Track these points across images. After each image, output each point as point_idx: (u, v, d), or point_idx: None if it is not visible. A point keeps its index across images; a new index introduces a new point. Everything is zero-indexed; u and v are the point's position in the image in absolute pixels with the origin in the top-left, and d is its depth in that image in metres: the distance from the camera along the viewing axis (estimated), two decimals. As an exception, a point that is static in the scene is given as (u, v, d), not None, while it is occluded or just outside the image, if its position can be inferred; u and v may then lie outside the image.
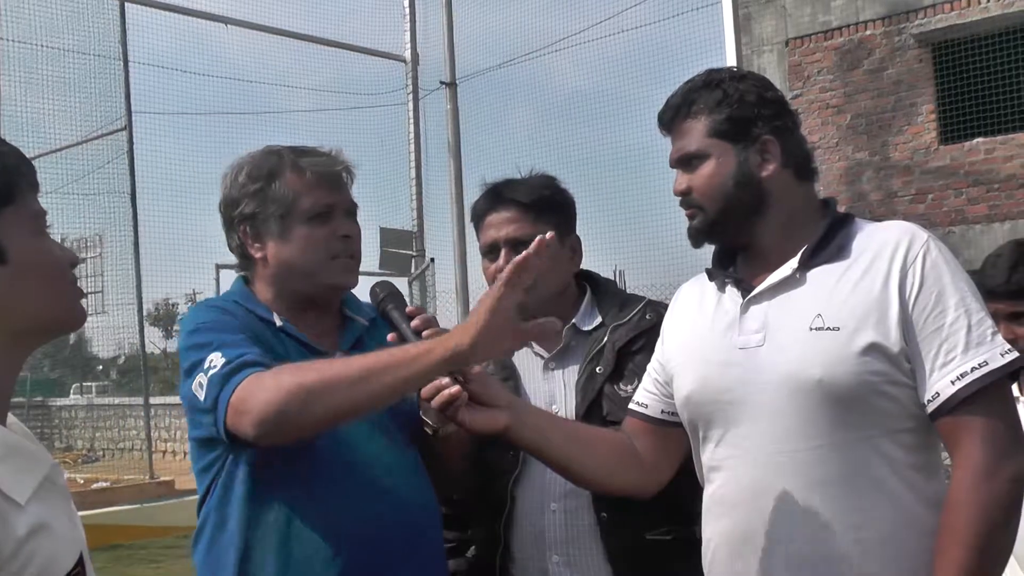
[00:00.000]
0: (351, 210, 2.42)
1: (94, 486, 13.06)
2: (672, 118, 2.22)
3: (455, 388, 2.14)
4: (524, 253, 1.92)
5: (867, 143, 12.73)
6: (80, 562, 1.44)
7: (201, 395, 2.09)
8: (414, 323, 2.21)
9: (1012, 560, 1.98)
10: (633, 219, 11.75)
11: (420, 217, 11.81)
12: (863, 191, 12.66)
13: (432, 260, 11.54)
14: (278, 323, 2.33)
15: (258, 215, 2.33)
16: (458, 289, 11.42)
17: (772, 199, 2.15)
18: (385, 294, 2.30)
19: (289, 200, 2.32)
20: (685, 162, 2.19)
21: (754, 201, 2.14)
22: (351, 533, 2.19)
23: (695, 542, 2.36)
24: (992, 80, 11.89)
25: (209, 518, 2.26)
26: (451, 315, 11.36)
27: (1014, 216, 11.82)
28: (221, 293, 2.53)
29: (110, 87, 12.27)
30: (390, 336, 2.22)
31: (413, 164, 11.87)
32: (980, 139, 12.13)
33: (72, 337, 17.74)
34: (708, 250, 2.29)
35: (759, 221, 2.16)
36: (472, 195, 2.72)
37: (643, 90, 12.25)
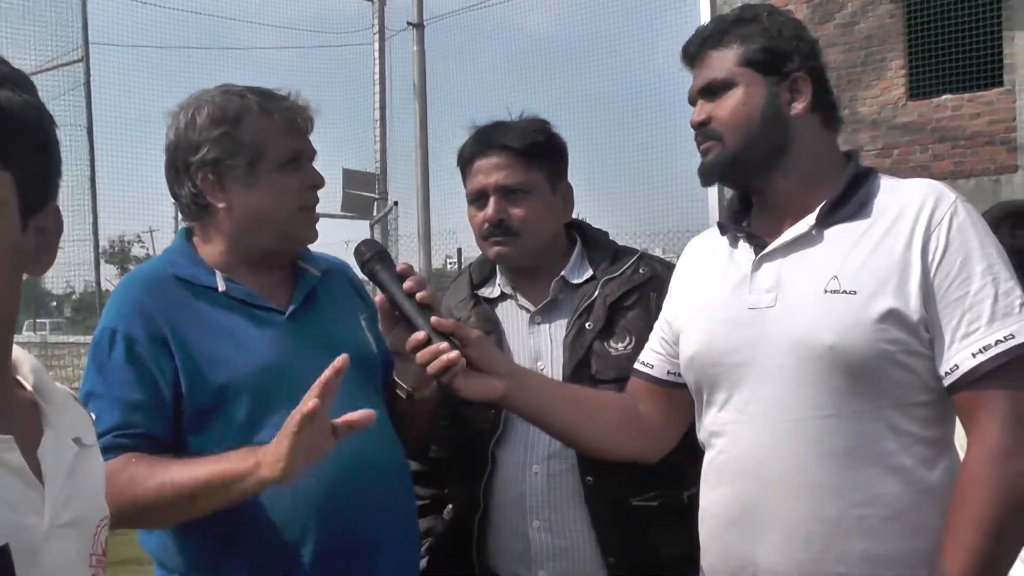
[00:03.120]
0: (314, 158, 2.28)
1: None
2: (700, 47, 2.08)
3: (453, 353, 2.01)
4: (325, 375, 1.77)
5: (836, 97, 12.64)
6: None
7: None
8: (407, 284, 2.07)
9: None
10: (600, 168, 11.65)
11: (384, 159, 11.63)
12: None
13: (396, 203, 11.38)
14: (221, 287, 2.17)
15: (223, 161, 2.15)
16: (421, 234, 11.27)
17: (796, 142, 2.02)
18: (372, 253, 2.16)
19: (258, 146, 2.16)
20: (710, 91, 2.05)
21: (778, 140, 2.01)
22: (316, 496, 2.06)
23: (682, 507, 2.28)
24: (962, 37, 11.85)
25: None
26: (414, 260, 11.23)
27: (978, 173, 11.90)
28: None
29: (67, 16, 11.95)
30: (378, 298, 2.09)
31: (378, 105, 11.67)
32: (948, 96, 12.16)
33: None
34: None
35: (779, 165, 2.02)
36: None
37: (614, 37, 12.08)
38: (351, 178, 11.24)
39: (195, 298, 2.15)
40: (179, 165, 2.20)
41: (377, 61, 11.68)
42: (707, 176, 2.09)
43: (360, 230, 11.98)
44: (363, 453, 2.12)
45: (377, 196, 11.44)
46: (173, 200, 2.27)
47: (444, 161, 11.17)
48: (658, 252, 8.85)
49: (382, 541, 2.14)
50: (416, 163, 11.33)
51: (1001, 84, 11.84)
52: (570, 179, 2.57)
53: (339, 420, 1.80)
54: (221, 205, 2.18)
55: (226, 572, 2.08)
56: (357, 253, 2.20)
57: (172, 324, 2.10)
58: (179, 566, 2.14)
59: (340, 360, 1.77)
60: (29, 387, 1.33)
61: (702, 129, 2.06)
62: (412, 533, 2.31)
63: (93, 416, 1.84)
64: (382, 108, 11.68)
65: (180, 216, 2.31)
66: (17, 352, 1.33)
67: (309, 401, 1.75)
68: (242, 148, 2.15)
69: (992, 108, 11.93)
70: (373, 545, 2.13)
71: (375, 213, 11.36)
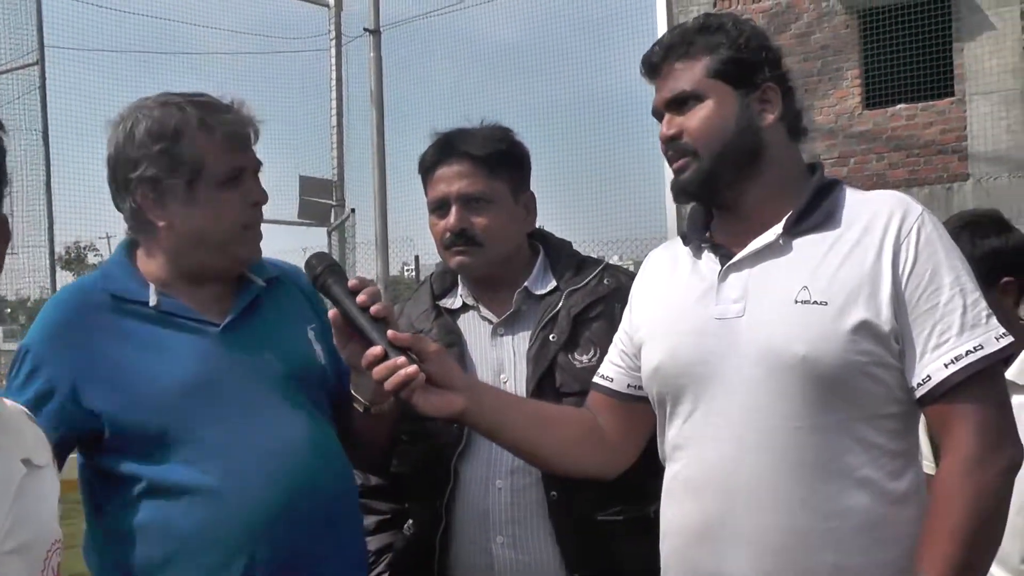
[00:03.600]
0: (258, 170, 2.21)
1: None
2: (664, 58, 2.04)
3: (411, 368, 1.95)
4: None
5: (802, 105, 12.72)
6: None
7: None
8: (360, 298, 2.02)
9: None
10: (556, 177, 11.64)
11: (340, 166, 11.55)
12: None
13: (353, 211, 11.31)
14: (152, 301, 2.11)
15: (162, 179, 2.08)
16: (378, 241, 11.21)
17: (767, 153, 1.99)
18: (323, 267, 2.10)
19: (197, 163, 2.09)
20: (677, 104, 2.01)
21: (751, 152, 1.98)
22: (255, 516, 2.02)
23: (647, 522, 2.25)
24: (915, 48, 11.98)
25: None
26: (371, 267, 11.17)
27: (931, 181, 12.06)
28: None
29: (21, 19, 11.79)
30: (331, 312, 2.04)
31: (334, 112, 11.58)
32: (902, 105, 12.31)
33: (-24, 279, 17.23)
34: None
35: (750, 176, 1.99)
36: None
37: (569, 44, 12.10)
38: (308, 185, 11.16)
39: (124, 315, 2.10)
40: (119, 180, 2.14)
41: (334, 67, 11.60)
42: (683, 194, 2.04)
43: (317, 237, 11.92)
44: (306, 473, 2.08)
45: (334, 203, 11.36)
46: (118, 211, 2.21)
47: (401, 168, 11.13)
48: (615, 260, 8.85)
49: (323, 563, 2.10)
50: (373, 170, 11.28)
51: (952, 94, 12.03)
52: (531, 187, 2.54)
53: None
54: (161, 223, 2.12)
55: None
56: (308, 267, 2.14)
57: (99, 347, 2.06)
58: None
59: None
60: None
61: (673, 143, 2.02)
62: (357, 554, 2.26)
63: None
64: (339, 115, 11.60)
65: (126, 228, 2.24)
66: None
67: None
68: (181, 165, 2.08)
69: (944, 117, 12.12)
70: (315, 567, 2.08)
71: (332, 220, 11.28)
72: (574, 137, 11.89)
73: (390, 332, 2.00)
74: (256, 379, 2.09)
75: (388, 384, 1.96)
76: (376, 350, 1.98)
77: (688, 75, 2.00)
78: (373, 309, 2.01)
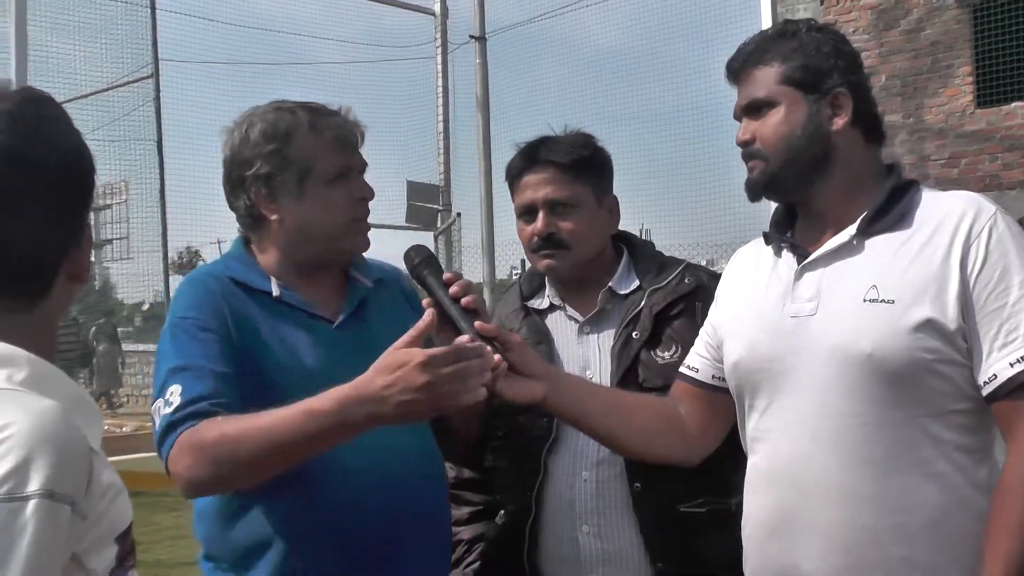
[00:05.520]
0: (364, 170, 2.37)
1: (118, 432, 13.10)
2: (742, 65, 2.12)
3: (495, 357, 2.07)
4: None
5: (901, 105, 12.49)
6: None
7: (156, 422, 2.09)
8: (452, 290, 2.14)
9: None
10: (662, 178, 11.66)
11: (447, 171, 11.73)
12: (895, 154, 12.43)
13: (459, 215, 11.47)
14: (275, 292, 2.27)
15: (274, 176, 2.26)
16: (484, 245, 11.35)
17: (838, 156, 2.05)
18: (420, 259, 2.23)
19: (307, 161, 2.26)
20: (752, 109, 2.10)
21: (820, 155, 2.05)
22: (346, 503, 2.14)
23: (729, 514, 2.31)
24: (1032, 43, 11.63)
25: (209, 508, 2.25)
26: (477, 270, 11.33)
27: (1050, 182, 11.66)
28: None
29: (137, 34, 12.26)
30: (425, 301, 2.16)
31: (441, 118, 11.78)
32: (1018, 103, 11.89)
33: (97, 283, 17.83)
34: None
35: (821, 179, 2.06)
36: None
37: (675, 48, 12.12)
38: (415, 190, 11.35)
39: (249, 302, 2.25)
40: (234, 179, 2.30)
41: (440, 74, 11.80)
42: (752, 192, 2.13)
43: (424, 241, 12.06)
44: (400, 461, 2.20)
45: (441, 208, 11.54)
46: (231, 211, 2.37)
47: (507, 173, 11.21)
48: (721, 263, 8.83)
49: (410, 550, 2.21)
50: (479, 175, 11.44)
51: (1073, 89, 11.63)
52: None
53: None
54: (274, 217, 2.28)
55: (262, 565, 2.17)
56: (406, 258, 2.27)
57: (235, 320, 2.20)
58: (223, 554, 2.24)
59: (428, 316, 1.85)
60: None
61: (747, 148, 2.11)
62: (443, 543, 2.37)
63: (179, 388, 2.03)
64: (445, 121, 11.78)
65: (239, 226, 2.41)
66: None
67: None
68: (292, 164, 2.25)
69: (1064, 115, 11.72)
70: (401, 554, 2.20)
71: (439, 224, 11.46)
72: (677, 140, 11.88)
73: (477, 323, 2.11)
74: None
75: None
76: (464, 338, 2.10)
77: (762, 81, 2.08)
78: (464, 301, 2.13)
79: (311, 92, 13.53)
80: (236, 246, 2.39)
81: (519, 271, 12.72)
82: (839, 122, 2.05)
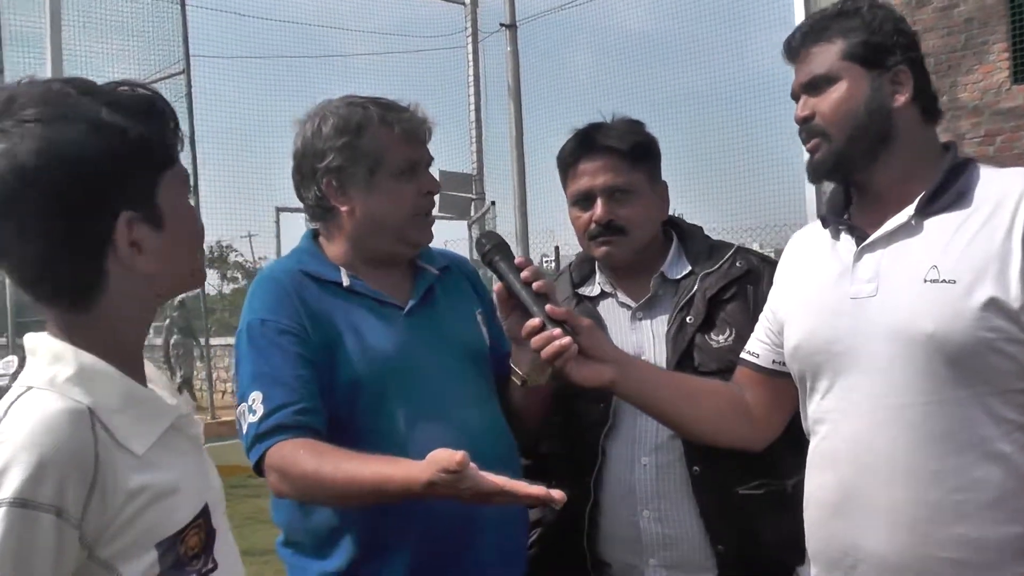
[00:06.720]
0: (430, 165, 2.41)
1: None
2: (802, 43, 2.12)
3: (566, 339, 2.10)
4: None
5: (935, 83, 12.33)
6: (201, 514, 1.43)
7: (243, 427, 2.15)
8: (524, 274, 2.18)
9: None
10: (693, 162, 11.61)
11: (480, 160, 11.74)
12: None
13: (492, 203, 11.49)
14: (345, 282, 2.32)
15: (345, 168, 2.30)
16: (518, 233, 11.36)
17: (898, 134, 2.05)
18: (491, 245, 2.28)
19: (377, 155, 2.30)
20: (812, 86, 2.09)
21: (882, 133, 2.04)
22: (431, 506, 2.13)
23: (787, 496, 2.32)
24: (1068, 17, 11.51)
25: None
26: (511, 259, 11.29)
27: (1087, 159, 11.53)
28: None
29: (168, 30, 12.35)
30: (496, 286, 2.20)
31: (472, 107, 11.80)
32: (1054, 79, 11.78)
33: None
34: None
35: (882, 157, 2.05)
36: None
37: (708, 33, 12.04)
38: (448, 179, 11.35)
39: (322, 293, 2.29)
40: (305, 171, 2.35)
41: (471, 63, 11.80)
42: (816, 174, 2.13)
43: (458, 230, 12.14)
44: (473, 442, 2.22)
45: (474, 196, 11.55)
46: (300, 202, 2.42)
47: (540, 160, 11.24)
48: (755, 247, 8.81)
49: (487, 527, 2.24)
50: (512, 163, 11.43)
51: (1110, 64, 11.49)
52: (668, 176, 2.63)
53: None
54: (344, 208, 2.33)
55: (342, 547, 2.22)
56: (478, 245, 2.33)
57: (309, 313, 2.24)
58: (303, 539, 2.29)
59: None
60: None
61: (807, 125, 2.10)
62: (519, 519, 2.40)
63: (260, 396, 2.08)
64: (477, 109, 11.79)
65: (306, 217, 2.46)
66: None
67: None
68: (363, 156, 2.29)
69: (1101, 90, 11.58)
70: (479, 531, 2.23)
71: (472, 213, 11.47)
72: (711, 124, 11.85)
73: (548, 306, 2.14)
74: (436, 361, 2.28)
75: (545, 353, 2.11)
76: (535, 321, 2.14)
77: (823, 58, 2.08)
78: (535, 285, 2.17)
79: (344, 83, 13.61)
80: (305, 240, 2.44)
81: (552, 259, 12.72)
82: (900, 99, 2.04)
